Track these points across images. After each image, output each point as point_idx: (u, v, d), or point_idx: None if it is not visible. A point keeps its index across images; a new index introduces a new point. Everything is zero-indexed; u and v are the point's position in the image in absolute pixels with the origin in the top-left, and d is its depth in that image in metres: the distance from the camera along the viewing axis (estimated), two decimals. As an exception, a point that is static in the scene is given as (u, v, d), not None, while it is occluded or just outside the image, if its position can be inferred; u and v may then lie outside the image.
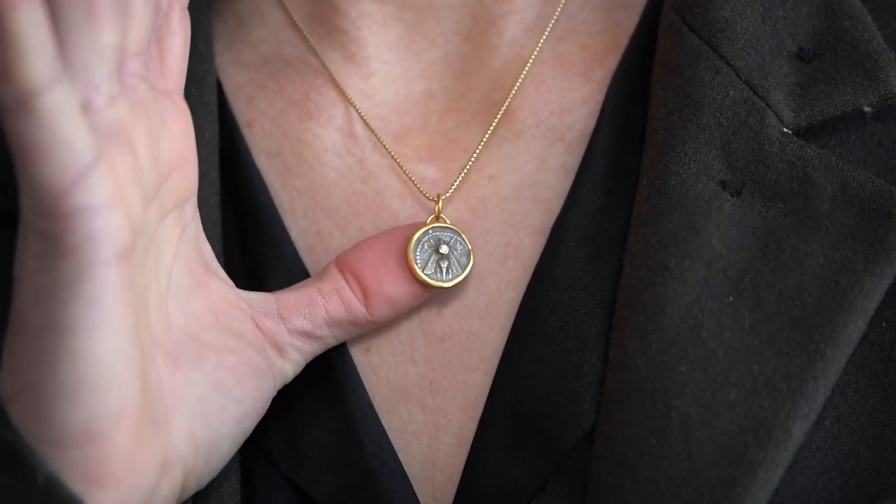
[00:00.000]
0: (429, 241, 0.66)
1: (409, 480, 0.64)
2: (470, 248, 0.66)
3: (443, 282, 0.65)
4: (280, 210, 0.69)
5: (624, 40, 0.71)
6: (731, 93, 0.64)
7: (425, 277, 0.65)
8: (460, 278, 0.66)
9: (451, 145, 0.70)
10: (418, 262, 0.66)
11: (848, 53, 0.65)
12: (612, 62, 0.70)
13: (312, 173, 0.69)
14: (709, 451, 0.57)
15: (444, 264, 0.66)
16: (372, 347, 0.67)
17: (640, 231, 0.62)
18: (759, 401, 0.58)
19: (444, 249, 0.66)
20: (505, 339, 0.65)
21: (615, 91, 0.68)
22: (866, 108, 0.64)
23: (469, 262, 0.66)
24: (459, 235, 0.66)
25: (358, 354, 0.67)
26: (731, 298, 0.60)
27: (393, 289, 0.65)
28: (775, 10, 0.66)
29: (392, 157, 0.69)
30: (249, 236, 0.68)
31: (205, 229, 0.64)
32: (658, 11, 0.69)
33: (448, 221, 0.67)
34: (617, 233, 0.65)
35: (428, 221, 0.67)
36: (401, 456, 0.65)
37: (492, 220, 0.68)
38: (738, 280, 0.60)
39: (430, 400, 0.66)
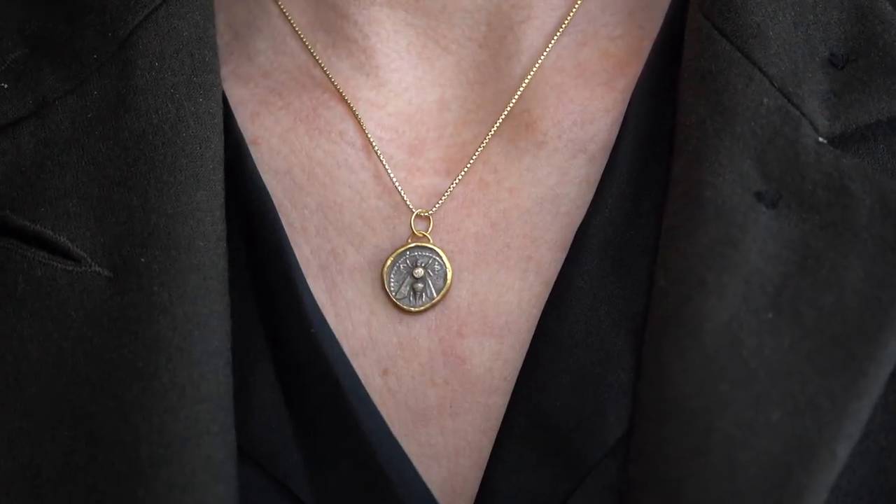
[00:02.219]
0: (405, 262, 0.65)
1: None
2: (448, 268, 0.64)
3: (413, 307, 0.64)
4: (291, 229, 0.66)
5: (647, 45, 0.69)
6: (765, 101, 0.61)
7: (397, 302, 0.64)
8: (429, 305, 0.64)
9: (467, 158, 0.67)
10: (392, 285, 0.64)
11: (881, 59, 0.63)
12: (634, 69, 0.68)
13: (325, 191, 0.67)
14: (753, 474, 0.55)
15: (419, 287, 0.64)
16: (389, 370, 0.64)
17: (675, 244, 0.60)
18: (802, 421, 0.56)
19: (418, 272, 0.64)
20: (524, 357, 0.63)
21: (640, 97, 0.66)
22: None
23: (445, 284, 0.64)
24: (438, 255, 0.65)
25: (375, 377, 0.64)
26: (770, 315, 0.58)
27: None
28: (806, 15, 0.64)
29: (399, 171, 0.67)
30: (256, 256, 0.65)
31: (208, 244, 0.62)
32: (683, 14, 0.67)
33: (430, 240, 0.65)
34: (643, 242, 0.63)
35: (409, 241, 0.66)
36: None
37: (512, 234, 0.66)
38: (776, 295, 0.58)
39: (449, 422, 0.63)
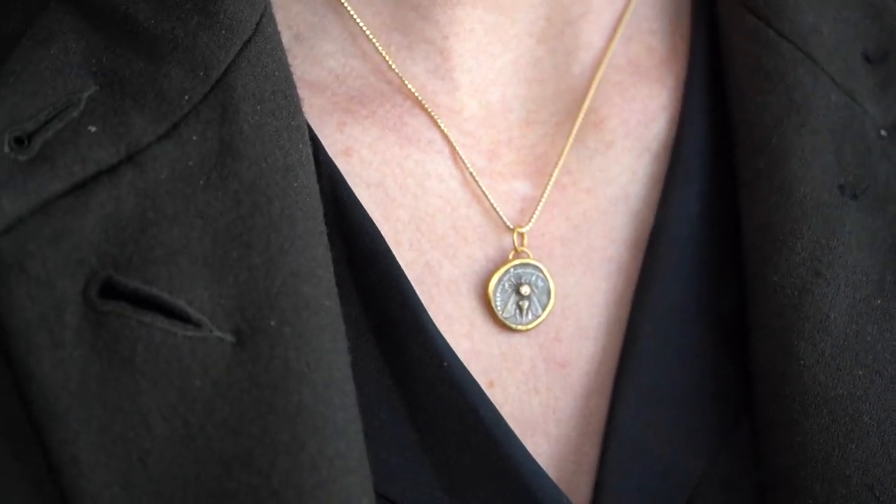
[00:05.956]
0: (509, 279, 0.65)
1: None
2: (551, 284, 0.65)
3: (520, 325, 0.65)
4: None
5: (679, 39, 0.71)
6: (832, 97, 0.65)
7: (504, 320, 0.65)
8: (536, 322, 0.65)
9: (540, 160, 0.67)
10: (498, 303, 0.65)
11: None
12: (676, 65, 0.70)
13: (416, 202, 0.65)
14: None
15: (525, 305, 0.65)
16: (495, 382, 0.64)
17: (778, 238, 0.63)
18: None
19: (524, 290, 0.65)
20: (618, 358, 0.65)
21: (693, 95, 0.68)
22: None
23: (549, 300, 0.65)
24: (541, 271, 0.65)
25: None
26: (879, 301, 0.62)
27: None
28: (841, 12, 0.68)
29: (483, 178, 0.67)
30: (362, 273, 0.63)
31: (332, 302, 0.59)
32: (710, 8, 0.70)
33: (530, 255, 0.66)
34: (722, 238, 0.66)
35: (510, 257, 0.66)
36: None
37: (595, 235, 0.67)
38: (879, 282, 0.63)
39: (553, 429, 0.64)
